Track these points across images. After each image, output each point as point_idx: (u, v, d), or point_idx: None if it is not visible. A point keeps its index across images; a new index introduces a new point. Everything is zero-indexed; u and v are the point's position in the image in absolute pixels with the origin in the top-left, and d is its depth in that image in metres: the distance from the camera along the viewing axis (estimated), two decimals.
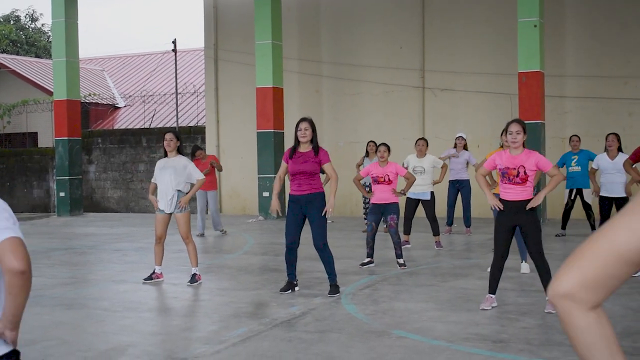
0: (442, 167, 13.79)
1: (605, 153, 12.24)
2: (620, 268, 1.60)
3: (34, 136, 32.25)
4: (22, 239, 2.88)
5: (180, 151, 10.51)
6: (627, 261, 1.59)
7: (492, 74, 20.29)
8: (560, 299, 1.63)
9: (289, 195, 9.42)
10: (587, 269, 1.62)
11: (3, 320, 2.92)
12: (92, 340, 7.38)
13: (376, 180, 11.68)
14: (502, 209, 8.21)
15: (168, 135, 10.51)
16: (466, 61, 20.84)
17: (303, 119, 9.52)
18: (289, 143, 19.95)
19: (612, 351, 1.61)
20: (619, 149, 12.03)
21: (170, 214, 10.30)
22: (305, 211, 9.26)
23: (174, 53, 30.76)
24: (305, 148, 9.33)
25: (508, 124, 8.46)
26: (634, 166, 10.33)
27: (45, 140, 30.81)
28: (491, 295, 8.40)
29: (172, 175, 10.19)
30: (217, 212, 16.21)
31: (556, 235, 14.68)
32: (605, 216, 12.65)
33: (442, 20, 21.26)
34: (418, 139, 14.19)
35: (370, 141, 14.90)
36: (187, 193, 10.49)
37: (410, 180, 11.88)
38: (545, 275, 8.16)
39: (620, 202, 11.53)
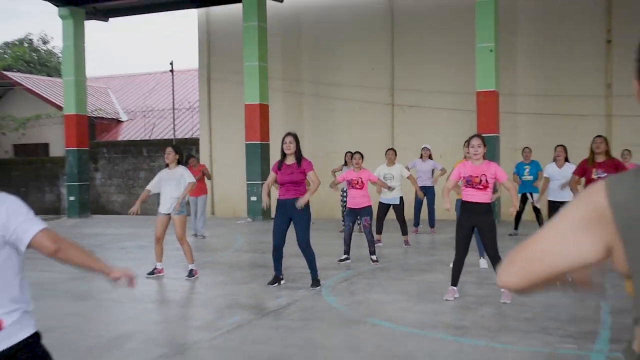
0: (408, 178, 13.83)
1: (554, 163, 12.49)
2: (544, 265, 1.73)
3: (46, 146, 32.03)
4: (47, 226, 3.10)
5: (180, 162, 10.58)
6: (550, 260, 1.72)
7: (453, 93, 20.42)
8: (502, 286, 1.84)
9: (277, 200, 9.48)
10: (520, 265, 1.77)
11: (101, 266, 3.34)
12: (102, 328, 7.38)
13: (350, 184, 11.79)
14: (448, 209, 8.36)
15: (168, 149, 10.61)
16: (431, 81, 20.91)
17: (288, 134, 9.59)
18: (273, 153, 20.11)
19: None
20: (566, 159, 12.27)
21: (169, 215, 10.36)
22: (290, 214, 9.33)
23: (171, 73, 30.67)
24: (290, 160, 9.40)
25: (470, 138, 8.57)
26: (580, 180, 10.43)
27: (56, 150, 30.64)
28: (453, 287, 8.47)
29: (173, 185, 10.30)
30: (203, 217, 16.03)
31: (509, 235, 14.72)
32: (554, 212, 12.83)
33: (410, 45, 21.34)
34: (388, 150, 14.23)
35: (348, 152, 14.96)
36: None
37: (379, 184, 12.14)
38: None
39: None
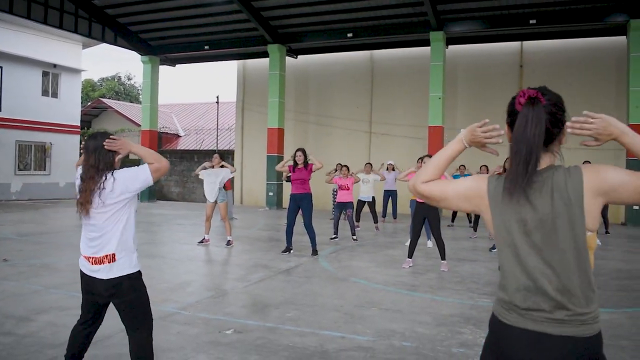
0: (381, 180, 14.09)
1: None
2: (441, 193, 2.01)
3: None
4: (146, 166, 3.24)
5: (223, 165, 10.64)
6: (445, 192, 2.01)
7: (412, 126, 20.55)
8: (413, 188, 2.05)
9: (290, 194, 9.54)
10: (429, 188, 2.03)
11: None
12: (169, 277, 7.42)
13: (340, 187, 11.97)
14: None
15: (215, 155, 10.68)
16: (397, 117, 21.04)
17: (298, 149, 9.70)
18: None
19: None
20: (487, 173, 12.40)
21: (215, 202, 10.50)
22: (299, 204, 9.44)
23: (217, 104, 30.77)
24: (300, 165, 9.57)
25: (424, 156, 8.75)
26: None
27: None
28: (409, 259, 8.57)
29: (216, 179, 10.38)
30: (232, 205, 16.01)
31: (448, 226, 14.83)
32: (478, 215, 12.94)
33: (384, 92, 21.44)
34: (366, 163, 14.41)
35: (338, 163, 15.09)
36: (224, 187, 10.68)
37: (356, 178, 12.37)
38: (441, 249, 8.33)
39: None
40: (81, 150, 3.56)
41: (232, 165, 17.32)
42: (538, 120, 1.77)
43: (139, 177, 3.18)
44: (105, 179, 3.14)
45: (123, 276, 3.17)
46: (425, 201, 2.05)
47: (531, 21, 17.44)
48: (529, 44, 19.56)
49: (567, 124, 1.83)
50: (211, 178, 10.40)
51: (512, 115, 1.88)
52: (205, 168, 10.51)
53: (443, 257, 8.37)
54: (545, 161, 1.84)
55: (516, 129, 1.81)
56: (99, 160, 3.18)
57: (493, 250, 10.38)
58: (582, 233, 1.74)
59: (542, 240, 1.76)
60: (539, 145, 1.77)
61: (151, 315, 3.34)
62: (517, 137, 1.80)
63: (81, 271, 3.27)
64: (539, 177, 1.80)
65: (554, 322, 1.73)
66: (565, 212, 1.74)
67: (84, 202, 3.13)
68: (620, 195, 1.73)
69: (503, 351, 1.81)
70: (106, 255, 3.15)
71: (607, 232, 13.70)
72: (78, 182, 3.25)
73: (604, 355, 1.76)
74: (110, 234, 3.16)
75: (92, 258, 3.17)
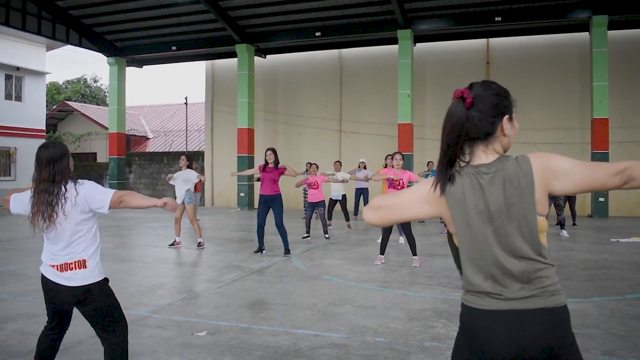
0: (350, 178, 14.09)
1: None
2: (397, 214, 2.03)
3: (94, 155, 31.56)
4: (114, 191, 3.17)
5: (190, 166, 10.53)
6: (401, 213, 2.02)
7: (382, 124, 20.67)
8: (367, 222, 2.09)
9: (260, 195, 9.49)
10: (381, 213, 2.06)
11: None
12: (140, 281, 7.36)
13: (310, 185, 11.97)
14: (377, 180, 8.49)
15: (182, 157, 10.61)
16: (367, 115, 21.13)
17: (268, 149, 9.67)
18: (257, 162, 20.07)
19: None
20: None
21: (183, 204, 10.37)
22: (269, 205, 9.41)
23: (185, 104, 30.53)
24: (270, 165, 9.55)
25: (394, 154, 8.79)
26: None
27: (102, 158, 30.25)
28: (381, 255, 8.63)
29: (183, 182, 10.29)
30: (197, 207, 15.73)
31: (419, 222, 14.99)
32: None
33: (353, 90, 21.52)
34: (335, 161, 14.48)
35: (308, 162, 15.09)
36: (193, 190, 10.58)
37: (328, 178, 12.35)
38: (412, 245, 8.37)
39: None
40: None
41: (202, 171, 17.16)
42: (455, 117, 1.90)
43: (100, 199, 3.13)
44: (65, 190, 3.09)
45: (89, 284, 3.14)
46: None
47: (497, 18, 17.73)
48: (495, 41, 19.86)
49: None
50: (182, 181, 10.35)
51: None
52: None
53: (414, 253, 8.45)
54: (491, 153, 1.91)
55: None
56: (54, 172, 3.11)
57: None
58: (534, 218, 1.82)
59: (500, 228, 1.84)
60: (454, 141, 1.89)
61: (124, 317, 3.33)
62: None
63: (44, 277, 3.21)
64: (491, 169, 1.88)
65: (525, 298, 1.81)
66: (518, 201, 1.82)
67: (48, 214, 3.06)
68: (567, 184, 1.82)
69: (480, 339, 1.84)
70: (71, 264, 3.11)
71: (574, 224, 13.99)
72: (22, 201, 3.20)
73: (573, 334, 1.84)
74: (74, 245, 3.13)
75: (57, 266, 3.14)
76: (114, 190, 3.19)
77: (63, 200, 3.06)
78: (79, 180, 3.18)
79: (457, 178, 1.91)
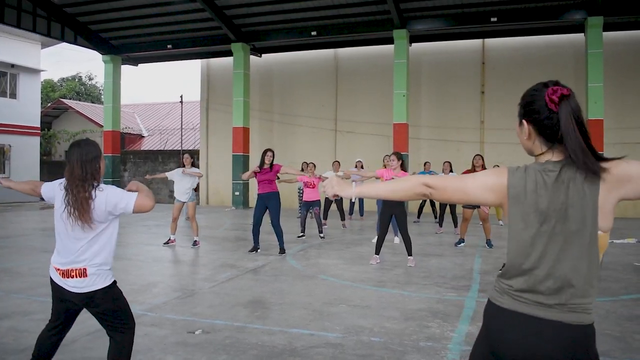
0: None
1: (442, 172, 12.74)
2: (459, 194, 1.95)
3: None
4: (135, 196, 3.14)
5: (193, 165, 10.59)
6: (464, 194, 1.94)
7: (377, 124, 20.70)
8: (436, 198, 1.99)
9: (257, 194, 9.49)
10: (449, 193, 1.96)
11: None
12: (135, 279, 7.33)
13: (306, 185, 11.96)
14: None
15: (186, 155, 10.64)
16: (362, 115, 21.15)
17: (268, 149, 9.66)
18: (252, 161, 20.14)
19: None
20: (450, 170, 12.51)
21: (184, 202, 10.39)
22: (266, 204, 9.40)
23: (181, 103, 30.44)
24: (267, 165, 9.53)
25: (392, 154, 8.76)
26: None
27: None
28: (376, 255, 8.60)
29: (189, 181, 10.33)
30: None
31: (414, 222, 14.96)
32: (443, 209, 13.18)
33: (348, 90, 21.54)
34: (334, 161, 14.45)
35: (304, 162, 15.10)
36: (194, 189, 10.61)
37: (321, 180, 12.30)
38: (407, 245, 8.37)
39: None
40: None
41: (198, 169, 17.17)
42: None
43: (124, 203, 3.12)
44: (95, 192, 3.09)
45: (90, 292, 3.12)
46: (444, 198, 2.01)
47: (492, 19, 17.75)
48: (490, 42, 19.90)
49: None
50: (185, 179, 10.36)
51: (537, 113, 1.92)
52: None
53: (410, 253, 8.45)
54: (561, 153, 1.84)
55: (564, 128, 1.85)
56: (86, 170, 3.10)
57: (459, 245, 10.53)
58: (594, 226, 1.73)
59: (555, 228, 1.76)
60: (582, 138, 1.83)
61: (132, 318, 3.32)
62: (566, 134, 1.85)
63: (51, 279, 3.20)
64: (556, 167, 1.80)
65: (545, 306, 1.75)
66: (578, 203, 1.74)
67: (82, 212, 3.04)
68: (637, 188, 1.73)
69: (493, 335, 1.83)
70: (72, 272, 3.10)
71: None
72: (56, 193, 3.20)
73: (596, 351, 1.78)
74: (80, 251, 3.11)
75: (61, 271, 3.12)
76: (135, 194, 3.14)
77: (91, 202, 3.07)
78: (100, 185, 3.15)
79: (522, 172, 1.85)
